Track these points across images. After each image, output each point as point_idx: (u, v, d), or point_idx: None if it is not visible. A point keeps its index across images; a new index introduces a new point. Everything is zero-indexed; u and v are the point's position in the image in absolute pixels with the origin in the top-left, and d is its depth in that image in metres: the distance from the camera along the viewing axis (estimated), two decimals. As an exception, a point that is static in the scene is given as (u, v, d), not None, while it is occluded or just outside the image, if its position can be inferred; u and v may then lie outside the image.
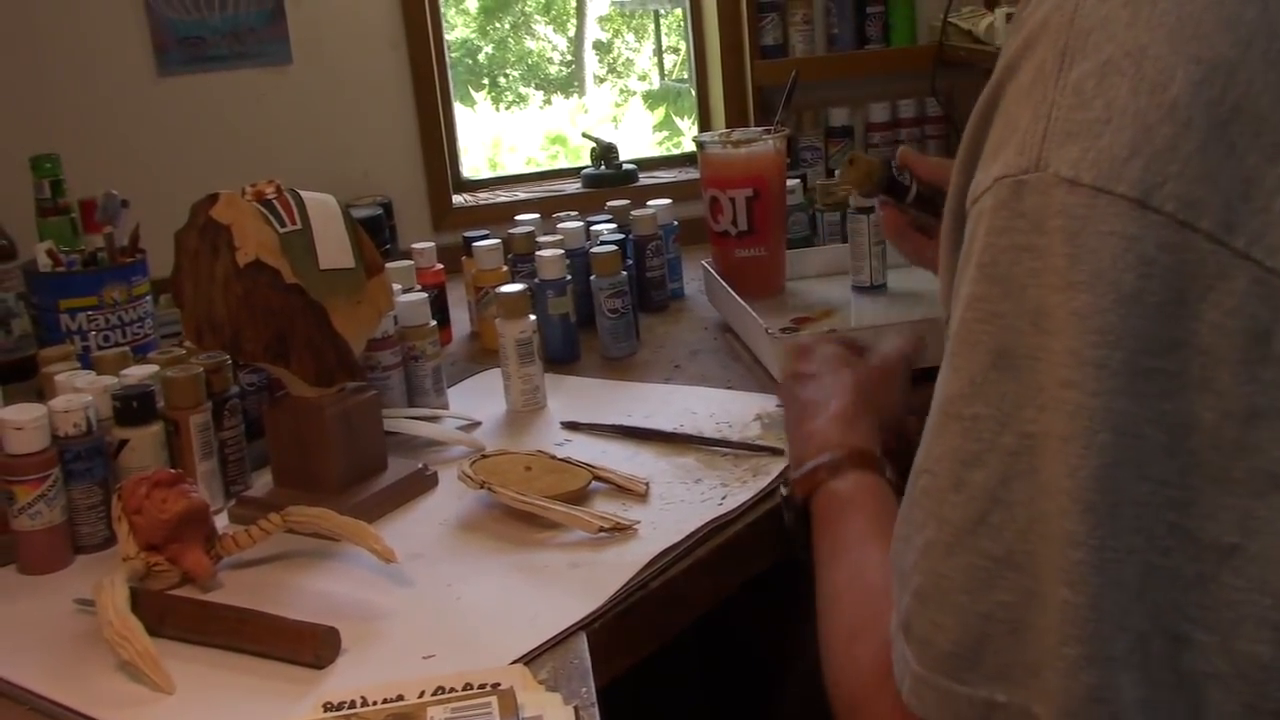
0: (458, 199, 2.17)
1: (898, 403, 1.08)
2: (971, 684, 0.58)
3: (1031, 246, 0.56)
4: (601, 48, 8.90)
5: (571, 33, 8.82)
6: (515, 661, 0.83)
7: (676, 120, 6.41)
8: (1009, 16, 1.86)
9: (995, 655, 0.57)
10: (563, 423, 1.27)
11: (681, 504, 1.07)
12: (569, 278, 1.46)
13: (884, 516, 0.84)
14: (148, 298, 1.45)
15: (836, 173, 1.60)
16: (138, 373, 1.14)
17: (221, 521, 1.10)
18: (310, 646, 0.86)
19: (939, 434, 0.60)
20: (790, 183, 1.72)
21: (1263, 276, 0.53)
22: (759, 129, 1.71)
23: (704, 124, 2.29)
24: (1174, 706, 0.54)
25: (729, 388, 1.34)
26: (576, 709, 0.77)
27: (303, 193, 1.10)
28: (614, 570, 0.96)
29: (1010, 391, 0.56)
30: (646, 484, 1.09)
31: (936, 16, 2.11)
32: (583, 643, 0.87)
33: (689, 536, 1.01)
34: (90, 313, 1.39)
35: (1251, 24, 0.54)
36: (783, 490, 1.01)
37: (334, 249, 1.10)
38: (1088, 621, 0.53)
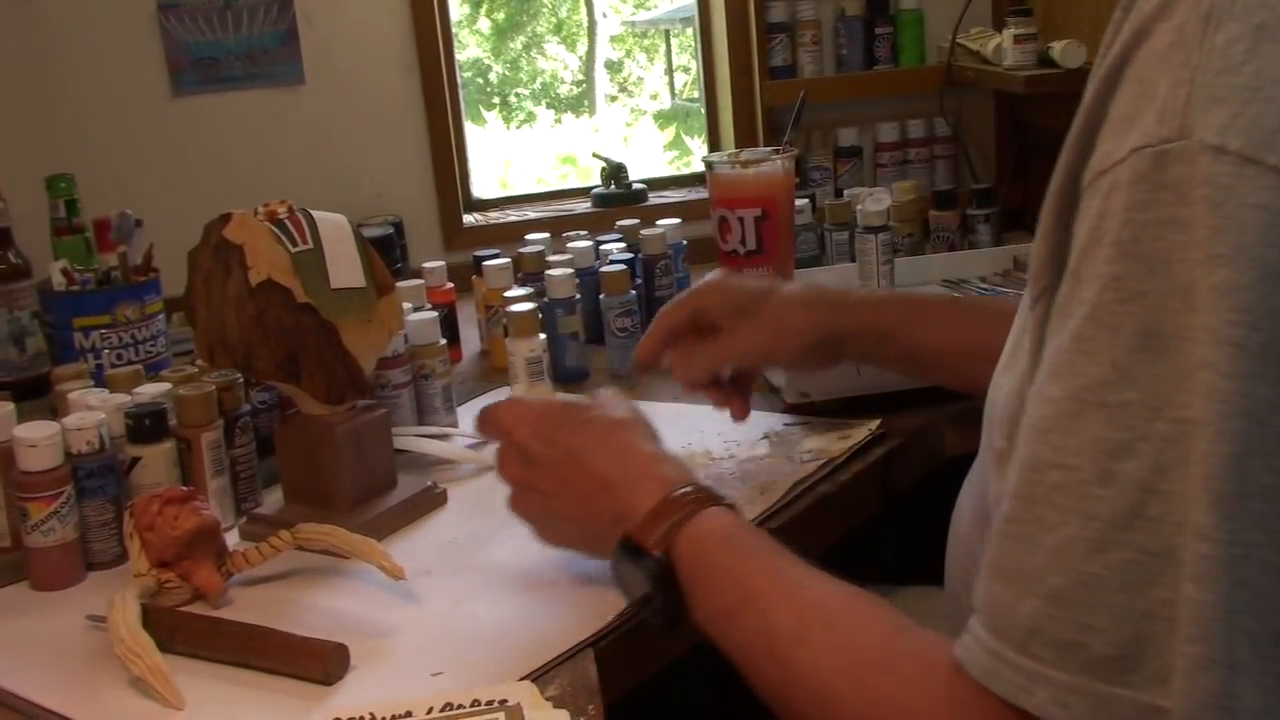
0: (468, 218, 2.18)
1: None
2: (1134, 686, 0.54)
3: (1176, 219, 0.53)
4: (613, 67, 8.95)
5: (583, 52, 8.87)
6: (524, 678, 0.84)
7: (687, 139, 6.43)
8: (1016, 38, 1.87)
9: (1158, 656, 0.53)
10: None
11: (689, 522, 1.07)
12: (578, 297, 1.47)
13: (780, 549, 0.78)
14: (161, 316, 1.46)
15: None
16: (150, 391, 1.15)
17: (232, 539, 1.10)
18: (319, 663, 0.86)
19: (1074, 424, 0.56)
20: (799, 203, 1.73)
21: None
22: (768, 149, 1.72)
23: (713, 144, 2.30)
24: (1276, 711, 0.52)
25: (737, 406, 1.34)
26: (583, 726, 0.78)
27: (314, 212, 1.11)
28: (622, 588, 0.96)
29: (1162, 374, 0.53)
30: None
31: (945, 37, 2.13)
32: (591, 660, 0.87)
33: (696, 554, 1.01)
34: (104, 331, 1.40)
35: None
36: (625, 547, 0.85)
37: (345, 268, 1.11)
38: (1212, 621, 0.51)
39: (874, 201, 1.57)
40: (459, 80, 2.21)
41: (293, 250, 1.07)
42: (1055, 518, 0.57)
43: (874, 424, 1.23)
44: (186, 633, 0.92)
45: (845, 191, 1.96)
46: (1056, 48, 1.85)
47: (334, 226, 1.12)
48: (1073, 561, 0.55)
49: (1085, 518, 0.55)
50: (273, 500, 1.16)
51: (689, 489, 0.84)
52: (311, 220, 1.10)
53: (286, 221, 1.08)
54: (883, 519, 1.19)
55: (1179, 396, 0.53)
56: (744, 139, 2.17)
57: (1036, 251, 0.63)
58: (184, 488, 1.03)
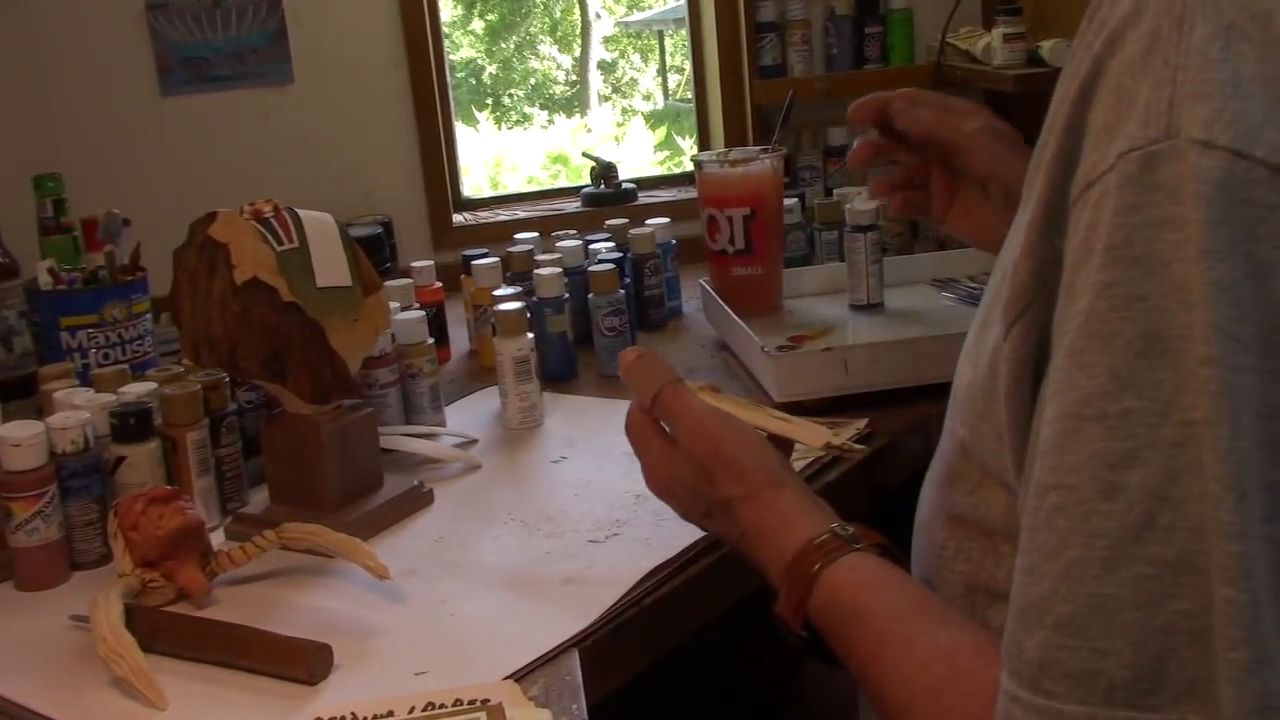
0: (458, 218, 2.18)
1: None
2: (1159, 709, 0.52)
3: (1171, 219, 0.52)
4: (606, 68, 8.96)
5: (577, 53, 8.88)
6: (507, 678, 0.84)
7: (678, 139, 6.44)
8: (1005, 37, 1.87)
9: (1181, 671, 0.52)
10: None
11: (677, 520, 1.06)
12: (567, 296, 1.47)
13: (897, 597, 0.74)
14: (148, 316, 1.45)
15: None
16: (136, 390, 1.15)
17: (218, 538, 1.10)
18: (303, 663, 0.86)
19: (1071, 441, 0.54)
20: (788, 202, 1.72)
21: None
22: (757, 148, 1.72)
23: (704, 143, 2.31)
24: None
25: (725, 406, 1.34)
26: (566, 725, 0.77)
27: (300, 211, 1.11)
28: (607, 587, 0.96)
29: (1166, 378, 0.52)
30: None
31: (934, 36, 2.13)
32: (574, 659, 0.87)
33: (682, 553, 1.01)
34: (90, 330, 1.40)
35: None
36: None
37: (331, 267, 1.11)
38: (1255, 621, 0.50)
39: (863, 201, 1.57)
40: (449, 79, 2.20)
41: (278, 249, 1.07)
42: (1056, 542, 0.55)
43: (861, 423, 1.23)
44: (170, 633, 0.92)
45: (834, 191, 1.96)
46: (1045, 47, 1.85)
47: (320, 225, 1.12)
48: (1081, 585, 0.53)
49: (1089, 537, 0.53)
50: (258, 500, 1.16)
51: (816, 546, 0.78)
52: (297, 219, 1.10)
53: (272, 220, 1.08)
54: (869, 519, 1.19)
55: (1185, 398, 0.51)
56: (734, 138, 2.18)
57: (1015, 271, 0.61)
58: (168, 487, 1.03)
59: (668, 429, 0.90)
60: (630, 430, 0.92)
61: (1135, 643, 0.52)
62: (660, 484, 0.91)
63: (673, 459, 0.89)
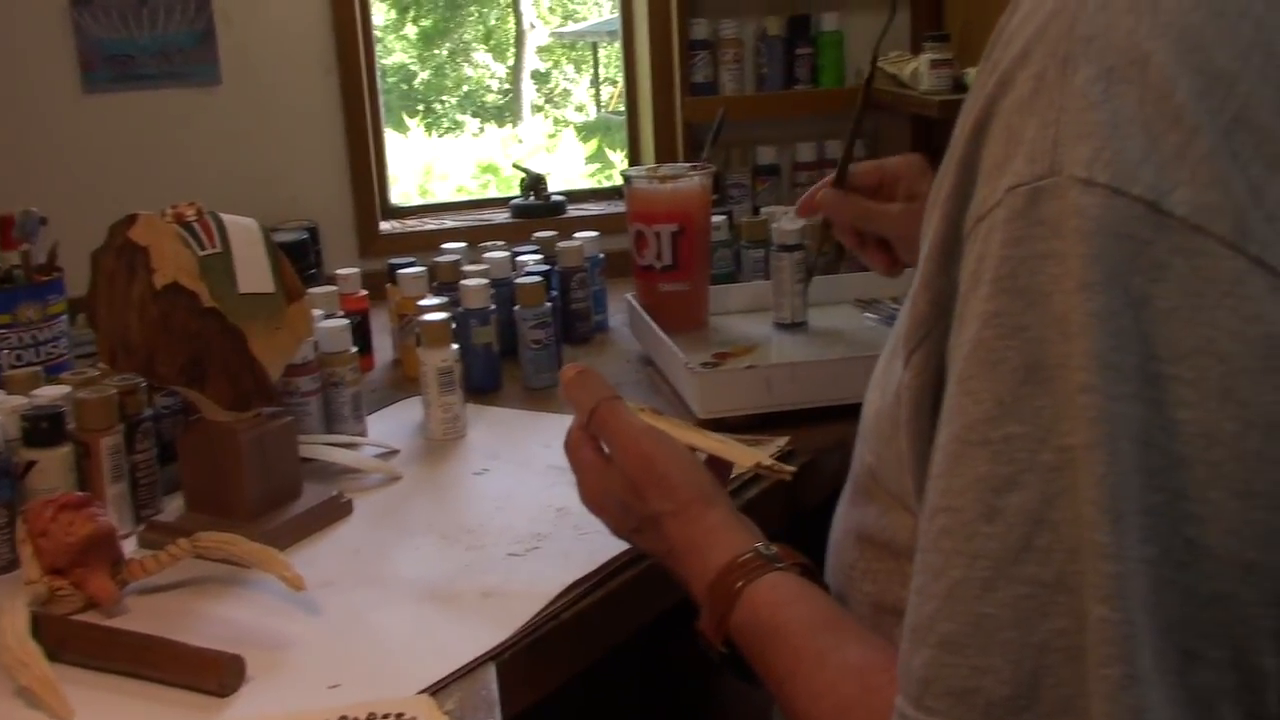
0: (385, 226, 2.16)
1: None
2: None
3: (1052, 253, 0.54)
4: (540, 78, 8.96)
5: (511, 62, 8.86)
6: (422, 691, 0.83)
7: (609, 153, 6.46)
8: (932, 63, 1.91)
9: (1055, 688, 0.53)
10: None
11: (597, 534, 1.07)
12: (493, 307, 1.47)
13: (813, 614, 0.76)
14: (63, 317, 1.43)
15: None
16: (49, 393, 1.13)
17: (131, 546, 1.08)
18: (214, 674, 0.85)
19: (958, 465, 0.57)
20: (716, 219, 1.74)
21: (1278, 284, 0.52)
22: (686, 165, 1.73)
23: (634, 159, 2.31)
24: None
25: (649, 421, 1.35)
26: (481, 740, 0.77)
27: (224, 216, 1.10)
28: (526, 600, 0.96)
29: (1046, 405, 0.54)
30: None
31: (864, 60, 2.15)
32: (491, 673, 0.87)
33: (602, 567, 1.01)
34: (3, 331, 1.37)
35: (1248, 39, 0.54)
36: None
37: (254, 273, 1.09)
38: (1128, 639, 0.51)
39: (789, 220, 1.58)
40: (379, 84, 2.19)
41: (200, 253, 1.05)
42: (942, 562, 0.57)
43: (782, 441, 1.24)
44: (77, 642, 0.90)
45: (762, 209, 1.97)
46: (971, 74, 1.88)
47: (243, 230, 1.10)
48: (962, 604, 0.55)
49: (972, 558, 0.55)
50: (173, 508, 1.14)
51: (739, 564, 0.80)
52: (220, 223, 1.09)
53: (194, 224, 1.07)
54: (788, 536, 1.20)
55: (1063, 425, 0.53)
56: (664, 154, 2.19)
57: (914, 302, 0.63)
58: (80, 493, 1.01)
59: (604, 445, 0.91)
60: (568, 446, 0.94)
61: (1012, 660, 0.54)
62: (593, 499, 0.93)
63: (606, 474, 0.90)
